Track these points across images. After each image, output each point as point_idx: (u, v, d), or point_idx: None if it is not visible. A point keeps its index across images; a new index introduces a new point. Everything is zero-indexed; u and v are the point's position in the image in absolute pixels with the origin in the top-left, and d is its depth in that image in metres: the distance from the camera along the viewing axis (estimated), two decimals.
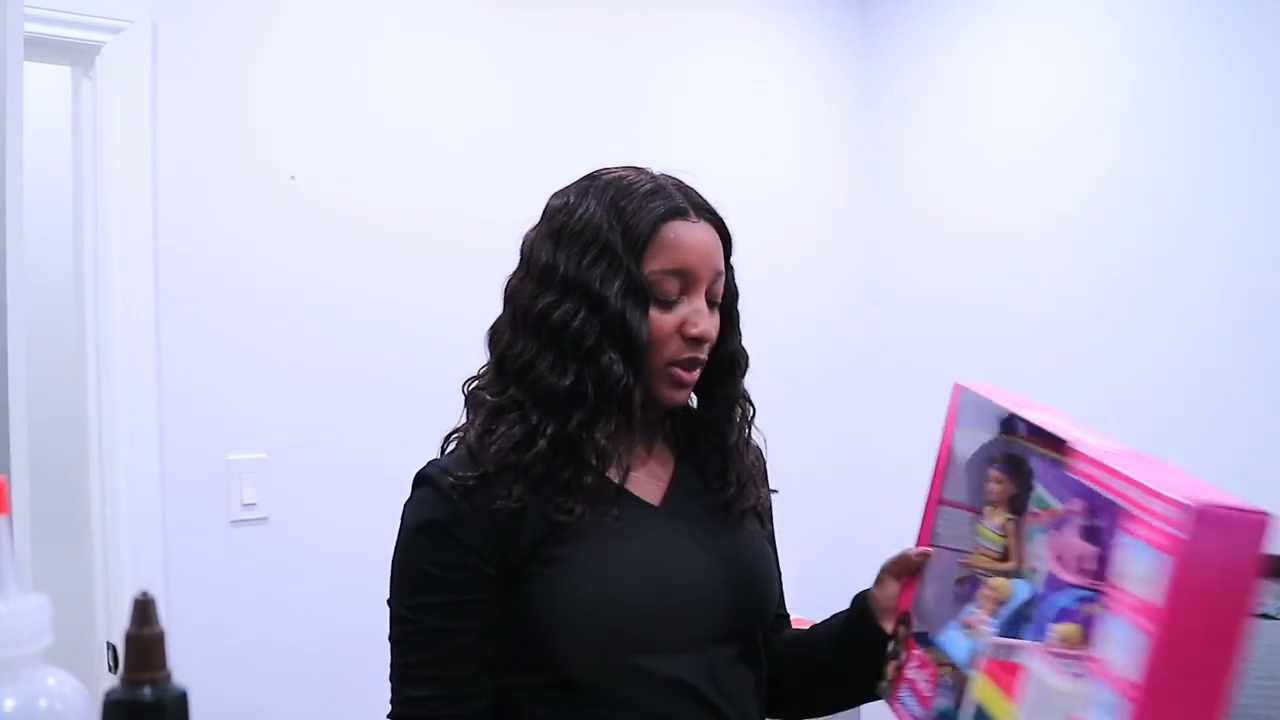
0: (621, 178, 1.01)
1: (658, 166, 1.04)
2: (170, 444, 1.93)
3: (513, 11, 2.42)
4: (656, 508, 1.02)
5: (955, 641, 0.90)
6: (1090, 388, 2.50)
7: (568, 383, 0.94)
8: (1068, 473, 0.78)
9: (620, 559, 0.96)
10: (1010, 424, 0.88)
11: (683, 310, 0.98)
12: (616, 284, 0.95)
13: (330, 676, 2.03)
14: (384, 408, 2.14)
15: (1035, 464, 0.83)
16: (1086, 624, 0.72)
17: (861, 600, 1.04)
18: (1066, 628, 0.75)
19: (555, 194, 1.04)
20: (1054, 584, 0.78)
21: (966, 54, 2.81)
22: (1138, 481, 0.69)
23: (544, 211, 1.04)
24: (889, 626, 1.00)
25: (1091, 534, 0.74)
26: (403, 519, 0.99)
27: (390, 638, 0.98)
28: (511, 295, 1.02)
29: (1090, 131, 2.53)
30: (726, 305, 1.05)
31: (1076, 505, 0.76)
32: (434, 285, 2.22)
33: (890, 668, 0.98)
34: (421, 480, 0.98)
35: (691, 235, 0.98)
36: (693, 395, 1.07)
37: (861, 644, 1.02)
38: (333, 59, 2.16)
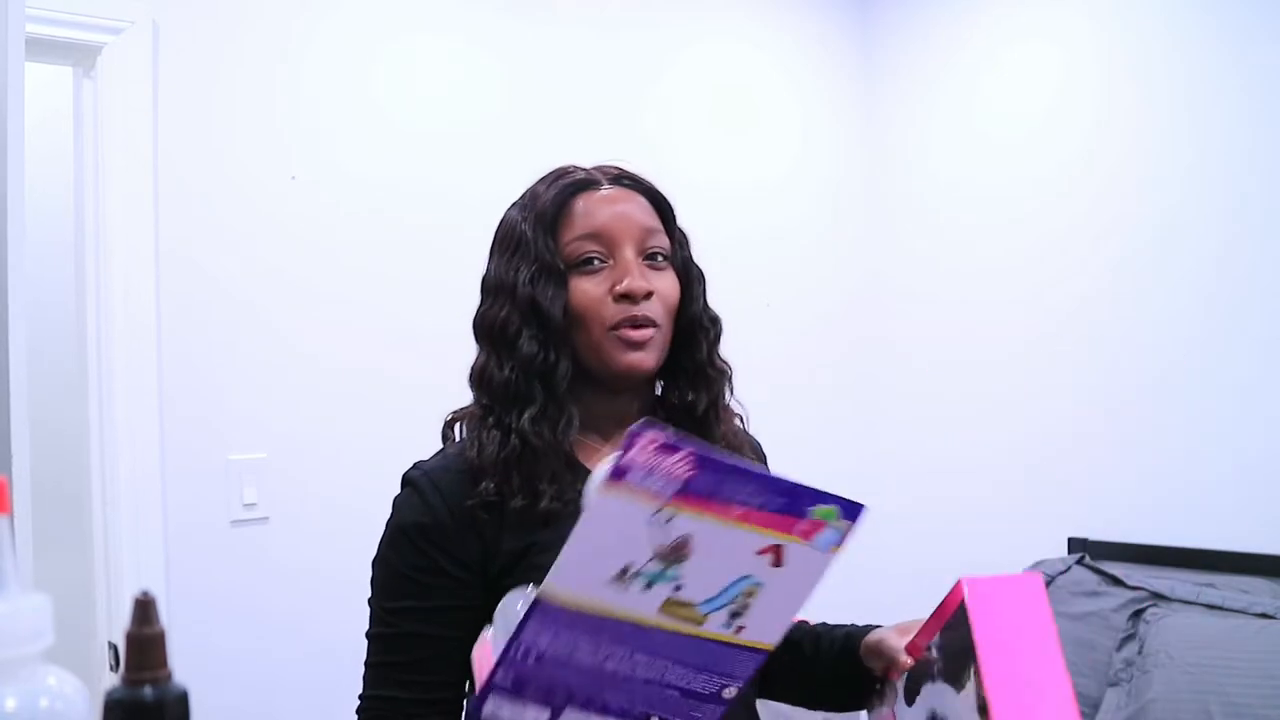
0: (541, 178, 1.05)
1: (655, 166, 1.04)
2: (171, 444, 1.93)
3: (511, 8, 2.42)
4: None
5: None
6: (1091, 381, 2.52)
7: (506, 374, 0.98)
8: None
9: None
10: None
11: (611, 273, 0.98)
12: (525, 269, 0.98)
13: (330, 676, 2.02)
14: (384, 407, 2.14)
15: None
16: None
17: (869, 640, 0.98)
18: None
19: None
20: None
21: (966, 52, 2.81)
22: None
23: None
24: (878, 669, 0.96)
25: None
26: (390, 516, 1.00)
27: (367, 634, 1.00)
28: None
29: (1090, 128, 2.53)
30: (681, 272, 1.03)
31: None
32: (436, 285, 2.22)
33: (873, 702, 0.97)
34: (406, 481, 1.00)
35: (602, 199, 1.00)
36: (664, 385, 1.06)
37: (856, 673, 0.99)
38: (333, 59, 2.16)
